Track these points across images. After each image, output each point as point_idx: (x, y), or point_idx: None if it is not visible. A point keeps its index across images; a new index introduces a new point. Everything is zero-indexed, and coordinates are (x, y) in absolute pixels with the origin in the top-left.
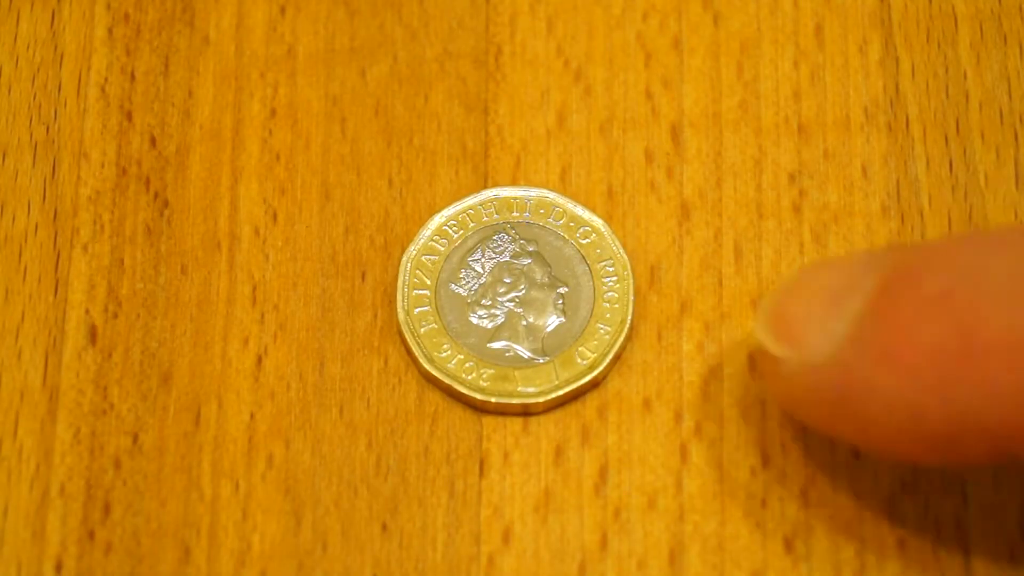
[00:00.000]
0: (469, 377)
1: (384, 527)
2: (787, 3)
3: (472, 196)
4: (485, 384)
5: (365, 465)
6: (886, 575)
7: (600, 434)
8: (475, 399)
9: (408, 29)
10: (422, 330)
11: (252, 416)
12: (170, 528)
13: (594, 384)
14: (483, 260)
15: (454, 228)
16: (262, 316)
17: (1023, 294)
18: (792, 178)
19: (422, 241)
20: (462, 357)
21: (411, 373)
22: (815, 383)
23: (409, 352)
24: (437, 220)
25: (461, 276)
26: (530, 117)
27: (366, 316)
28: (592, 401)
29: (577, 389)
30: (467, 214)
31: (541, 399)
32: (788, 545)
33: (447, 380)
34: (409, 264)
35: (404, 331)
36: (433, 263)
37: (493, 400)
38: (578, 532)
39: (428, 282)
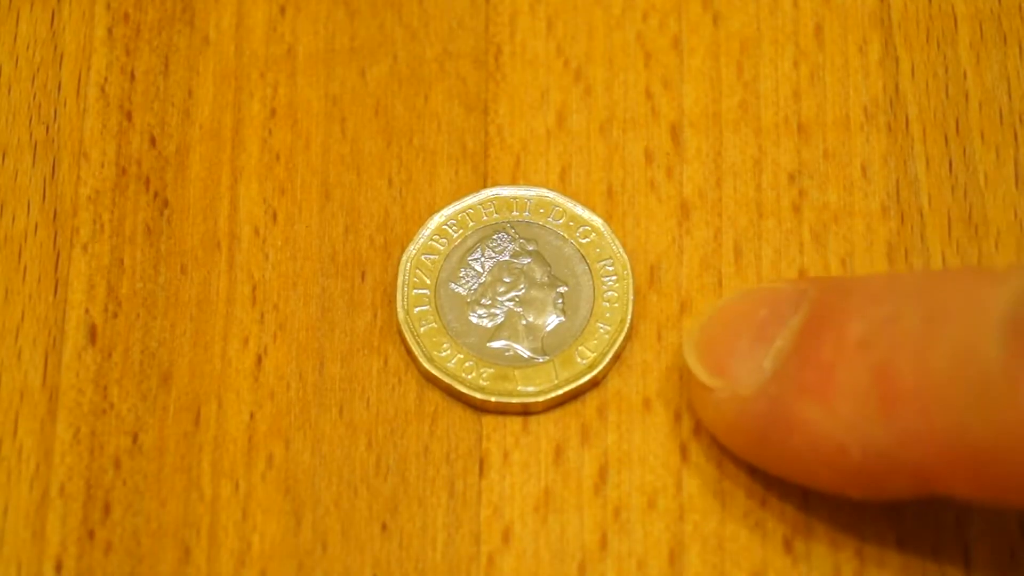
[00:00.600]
0: (469, 376)
1: (384, 527)
2: (787, 3)
3: (472, 196)
4: (485, 383)
5: (365, 465)
6: (886, 575)
7: (600, 434)
8: (475, 398)
9: (408, 29)
10: (422, 329)
11: (252, 416)
12: (170, 528)
13: (594, 383)
14: (483, 259)
15: (454, 228)
16: (262, 316)
17: (935, 344)
18: (792, 178)
19: (422, 241)
20: (462, 356)
21: (411, 373)
22: (743, 414)
23: (409, 352)
24: (437, 220)
25: (461, 275)
26: (530, 117)
27: (366, 316)
28: (592, 401)
29: (577, 388)
30: (467, 214)
31: (541, 398)
32: (788, 545)
33: (447, 379)
34: (409, 264)
35: (404, 331)
36: (433, 263)
37: (493, 399)
38: (578, 532)
39: (428, 282)
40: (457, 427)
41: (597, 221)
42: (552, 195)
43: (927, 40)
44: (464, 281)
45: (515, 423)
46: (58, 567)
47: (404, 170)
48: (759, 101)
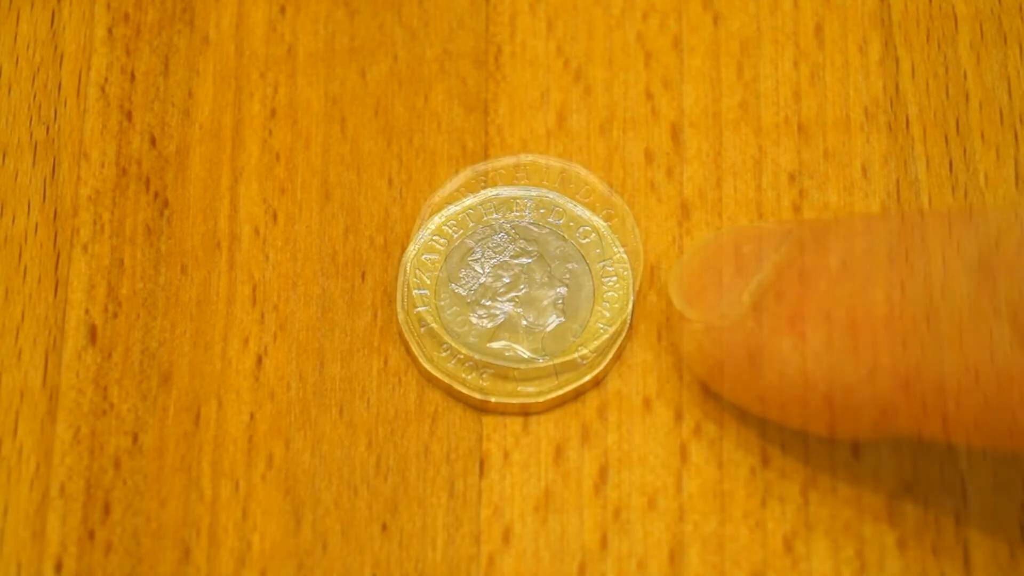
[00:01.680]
0: (469, 377)
1: (384, 527)
2: (787, 3)
3: (472, 196)
4: (485, 384)
5: (365, 465)
6: (886, 575)
7: (600, 434)
8: (475, 399)
9: (408, 29)
10: (422, 330)
11: (252, 416)
12: (170, 528)
13: (594, 384)
14: (483, 260)
15: (454, 228)
16: (262, 316)
17: (907, 278)
18: (792, 178)
19: (422, 241)
20: (462, 357)
21: (411, 373)
22: (718, 345)
23: (409, 352)
24: (437, 220)
25: (461, 276)
26: (530, 117)
27: (366, 316)
28: (592, 401)
29: (577, 389)
30: (467, 214)
31: (541, 399)
32: (788, 545)
33: (447, 380)
34: (409, 264)
35: (404, 331)
36: (433, 263)
37: (493, 400)
38: (578, 532)
39: (428, 282)
40: (457, 427)
41: (597, 221)
42: (552, 195)
43: (927, 40)
44: (464, 281)
45: (515, 423)
46: (58, 567)
47: (404, 170)
48: (759, 101)
